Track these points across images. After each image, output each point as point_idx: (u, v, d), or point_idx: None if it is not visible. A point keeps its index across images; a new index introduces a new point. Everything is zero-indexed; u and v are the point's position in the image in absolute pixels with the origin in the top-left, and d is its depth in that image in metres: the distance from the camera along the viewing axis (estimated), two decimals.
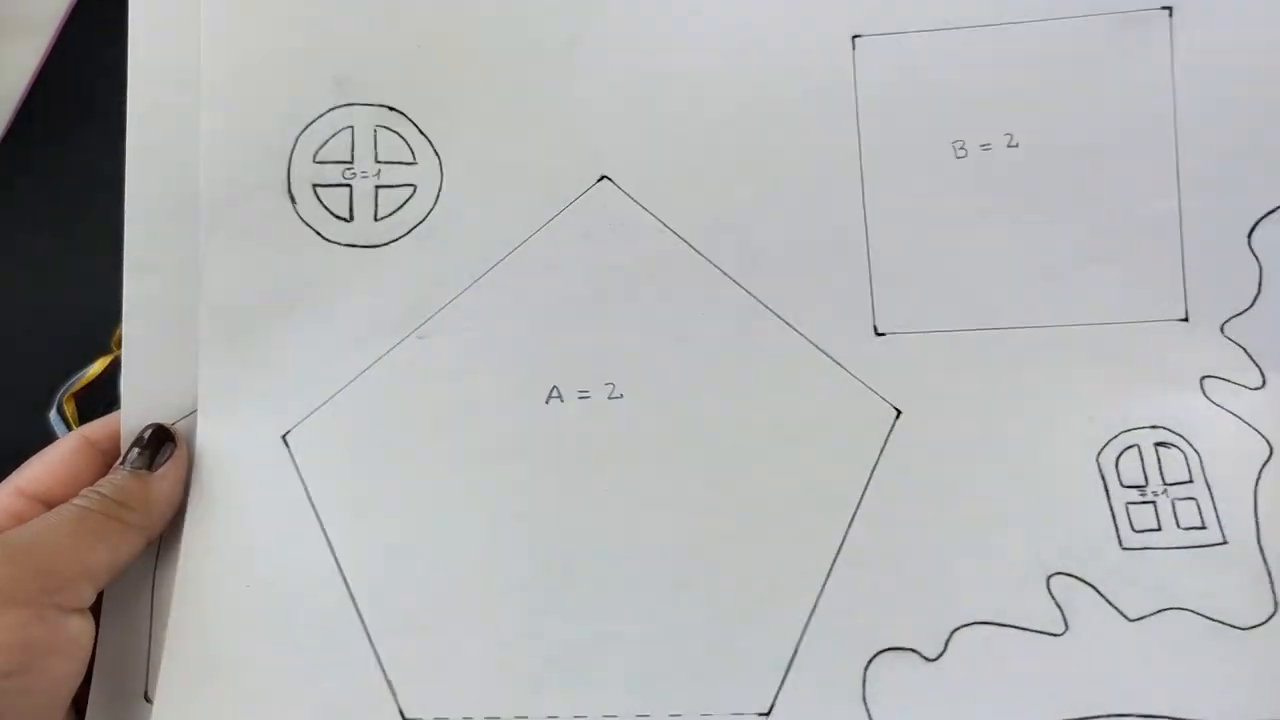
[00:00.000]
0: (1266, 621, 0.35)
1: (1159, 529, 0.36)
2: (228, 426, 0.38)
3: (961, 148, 0.39)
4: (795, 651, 0.35)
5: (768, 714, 0.35)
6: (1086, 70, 0.38)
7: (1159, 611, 0.35)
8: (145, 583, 0.38)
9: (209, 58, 0.39)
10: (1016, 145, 0.39)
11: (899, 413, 0.38)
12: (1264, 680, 0.34)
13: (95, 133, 0.40)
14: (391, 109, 0.40)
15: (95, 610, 0.36)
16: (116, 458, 0.38)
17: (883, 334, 0.38)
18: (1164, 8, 0.38)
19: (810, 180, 0.39)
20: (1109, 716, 0.34)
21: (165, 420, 0.39)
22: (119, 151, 0.39)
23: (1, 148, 0.58)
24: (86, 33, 0.62)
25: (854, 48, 0.39)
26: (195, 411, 0.39)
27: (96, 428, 0.39)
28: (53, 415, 0.44)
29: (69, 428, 0.44)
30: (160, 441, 0.38)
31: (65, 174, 0.46)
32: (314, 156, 0.40)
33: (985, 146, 0.39)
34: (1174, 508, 0.36)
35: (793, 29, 0.39)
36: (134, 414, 0.39)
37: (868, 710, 0.35)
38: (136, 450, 0.37)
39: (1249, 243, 0.38)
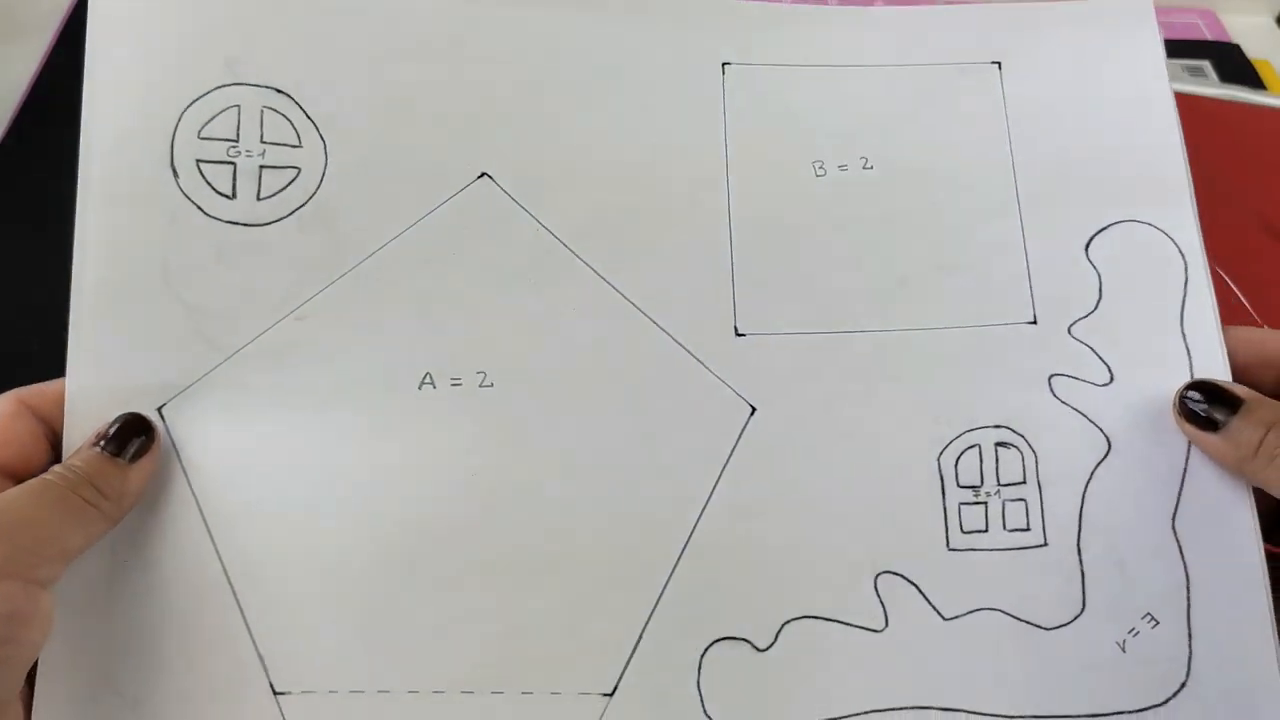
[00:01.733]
0: (1070, 622, 0.38)
1: (986, 531, 0.39)
2: (101, 398, 0.38)
3: (821, 167, 0.42)
4: (640, 636, 0.38)
5: (611, 694, 0.38)
6: (933, 108, 0.42)
7: (972, 612, 0.38)
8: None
9: (95, 25, 0.40)
10: (871, 168, 0.42)
11: (754, 409, 0.40)
12: (1058, 677, 0.38)
13: None
14: (279, 91, 0.41)
15: None
16: (53, 426, 0.38)
17: (743, 334, 0.40)
18: (994, 62, 0.43)
19: (680, 189, 0.41)
20: (915, 709, 0.37)
21: (107, 396, 0.39)
22: None
23: (1, 148, 0.58)
24: (86, 33, 0.61)
25: (723, 73, 0.42)
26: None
27: (33, 393, 0.39)
28: None
29: None
30: (134, 431, 0.38)
31: (65, 174, 0.45)
32: (199, 132, 0.40)
33: (843, 167, 0.42)
34: (1003, 509, 0.39)
35: (668, 52, 0.42)
36: (80, 385, 0.39)
37: (700, 695, 0.38)
38: (108, 436, 0.37)
39: (1087, 255, 0.41)
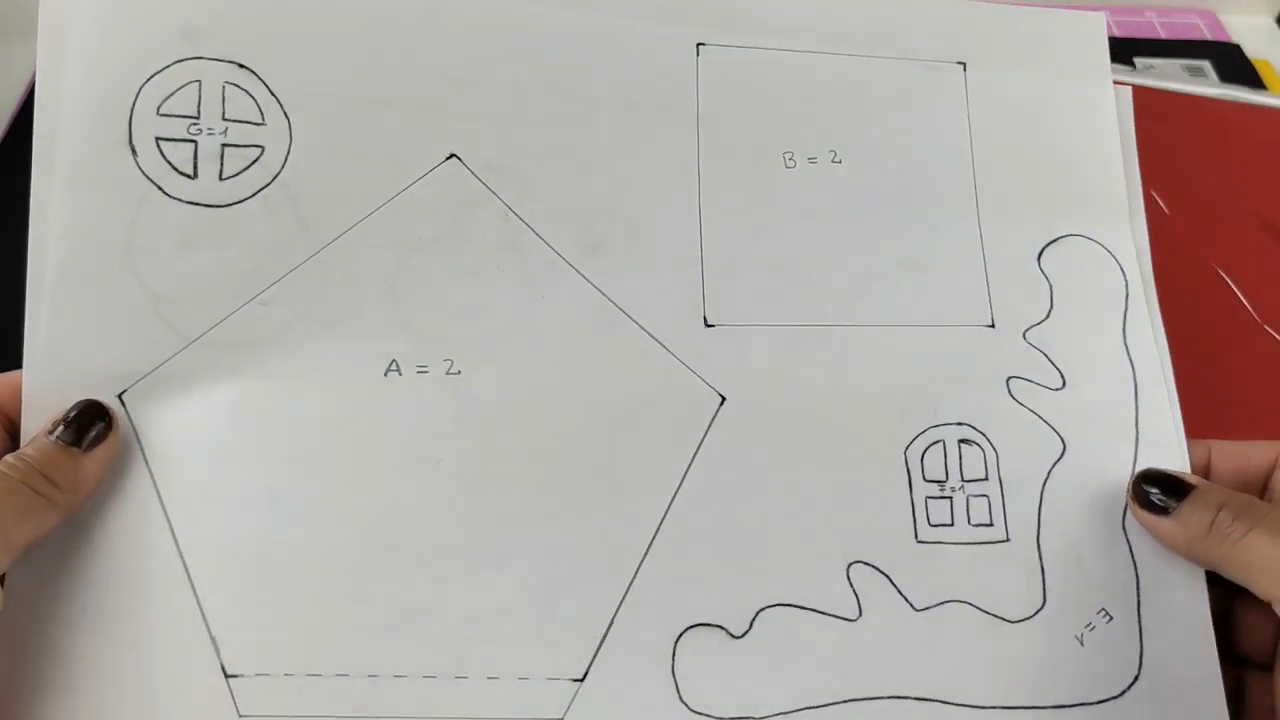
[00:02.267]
0: (1033, 616, 0.38)
1: (952, 524, 0.39)
2: (59, 385, 0.37)
3: (791, 159, 0.42)
4: (611, 622, 0.37)
5: (582, 679, 0.37)
6: (901, 104, 0.44)
7: (942, 603, 0.38)
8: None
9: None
10: (840, 161, 0.43)
11: (723, 399, 0.40)
12: (1024, 669, 0.38)
13: None
14: (242, 66, 0.40)
15: None
16: (10, 416, 0.37)
17: (712, 325, 0.40)
18: (959, 62, 0.44)
19: (651, 177, 0.41)
20: (890, 698, 0.37)
21: (65, 383, 0.37)
22: None
23: (1, 148, 0.56)
24: None
25: (698, 54, 0.42)
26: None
27: None
28: None
29: None
30: (92, 418, 0.36)
31: None
32: (158, 109, 0.39)
33: (812, 160, 0.42)
34: (967, 504, 0.39)
35: (642, 31, 0.42)
36: (37, 373, 0.37)
37: (675, 680, 0.37)
38: (65, 423, 0.36)
39: (1039, 264, 0.42)
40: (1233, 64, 0.74)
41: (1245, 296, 0.56)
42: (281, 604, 0.37)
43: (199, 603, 0.36)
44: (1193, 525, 0.37)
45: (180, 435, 0.37)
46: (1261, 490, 0.39)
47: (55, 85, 0.38)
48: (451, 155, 0.40)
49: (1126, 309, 0.42)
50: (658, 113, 0.42)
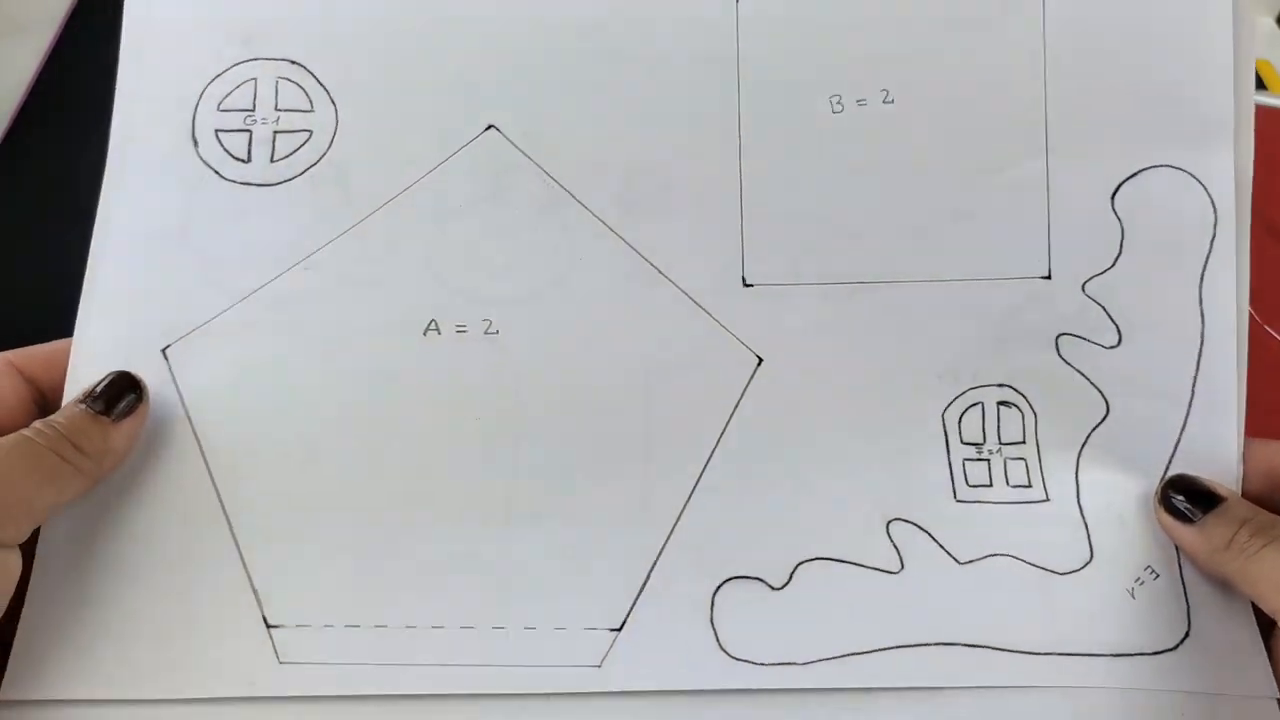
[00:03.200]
0: (1082, 569, 0.38)
1: (990, 485, 0.39)
2: (107, 338, 0.39)
3: (839, 102, 0.41)
4: (649, 574, 0.37)
5: (619, 629, 0.36)
6: (962, 34, 0.40)
7: (986, 556, 0.38)
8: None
9: (130, 18, 0.42)
10: (892, 102, 0.40)
11: (760, 360, 0.40)
12: (1076, 619, 0.37)
13: (95, 133, 0.41)
14: (294, 63, 0.42)
15: (27, 548, 0.35)
16: (45, 389, 0.38)
17: (750, 285, 0.40)
18: None
19: (689, 135, 0.41)
20: (937, 645, 0.37)
21: (114, 341, 0.39)
22: None
23: (1, 148, 0.59)
24: (86, 33, 0.62)
25: (737, 2, 0.41)
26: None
27: (24, 355, 0.39)
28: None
29: None
30: (123, 389, 0.37)
31: (65, 174, 0.46)
32: (219, 105, 0.42)
33: (861, 102, 0.40)
34: (1005, 466, 0.39)
35: None
36: (88, 332, 0.39)
37: (714, 629, 0.37)
38: (98, 392, 0.37)
39: (1112, 205, 0.40)
40: None
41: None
42: (321, 557, 0.37)
43: (241, 555, 0.37)
44: (1214, 539, 0.36)
45: (223, 391, 0.39)
46: None
47: (132, 86, 0.42)
48: (490, 126, 0.42)
49: (1210, 251, 0.39)
50: (695, 64, 0.41)
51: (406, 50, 0.42)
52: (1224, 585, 0.37)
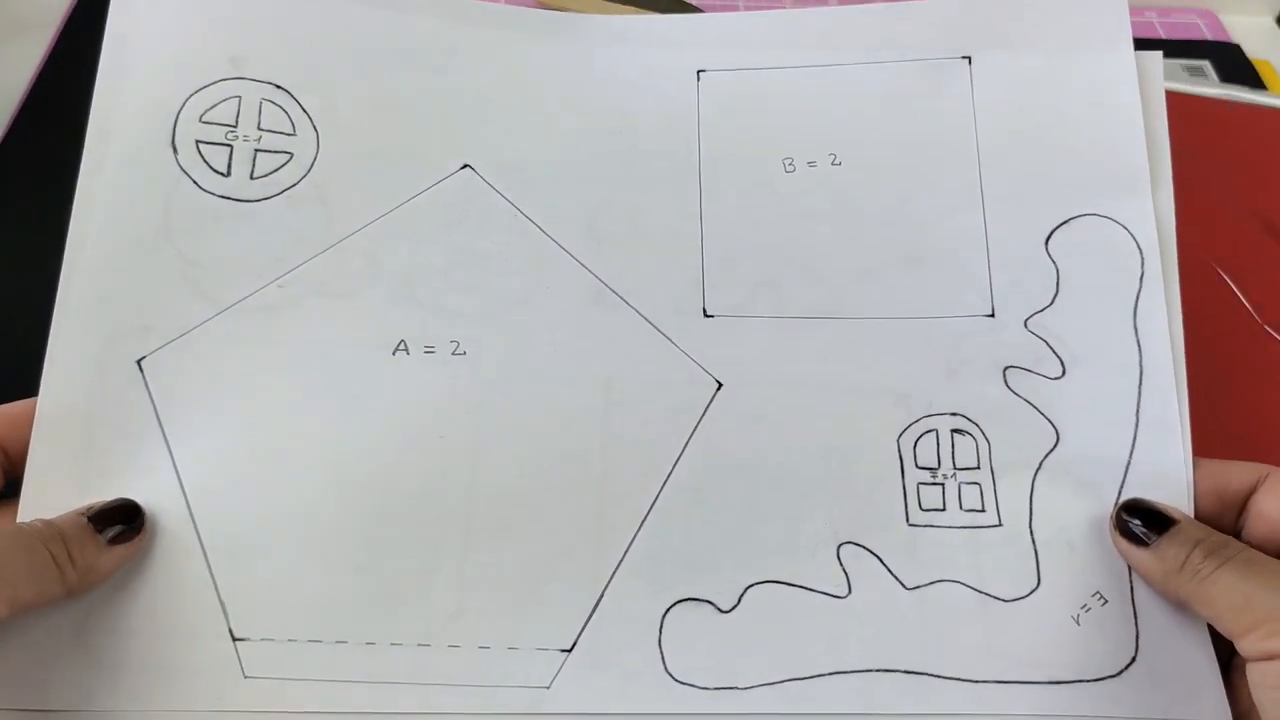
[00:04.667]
0: (1027, 596, 0.38)
1: (943, 509, 0.40)
2: (82, 347, 0.40)
3: (790, 163, 0.44)
4: (601, 595, 0.38)
5: (570, 650, 0.38)
6: (901, 105, 0.44)
7: (934, 582, 0.39)
8: None
9: (115, 19, 0.43)
10: (840, 164, 0.44)
11: (720, 385, 0.41)
12: (1018, 646, 0.38)
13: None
14: (279, 87, 0.44)
15: None
16: (6, 447, 0.38)
17: (711, 316, 0.42)
18: (964, 57, 0.44)
19: (654, 184, 0.44)
20: (878, 671, 0.37)
21: (90, 342, 0.39)
22: None
23: (1, 148, 0.59)
24: (86, 33, 0.61)
25: (698, 79, 0.45)
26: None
27: None
28: None
29: None
30: (126, 516, 0.37)
31: (65, 174, 0.46)
32: (201, 117, 0.43)
33: (811, 164, 0.44)
34: (959, 491, 0.40)
35: (646, 61, 0.45)
36: (64, 331, 0.40)
37: (661, 652, 0.38)
38: (102, 511, 0.37)
39: (1047, 249, 0.42)
40: (1233, 64, 0.73)
41: (1245, 296, 0.55)
42: (287, 572, 0.38)
43: (210, 568, 0.38)
44: (1167, 560, 0.37)
45: (194, 403, 0.40)
46: (1239, 512, 0.39)
47: (112, 91, 0.43)
48: (465, 165, 0.43)
49: (1140, 289, 0.42)
50: (661, 127, 0.44)
51: (391, 88, 0.44)
52: (1179, 608, 0.38)
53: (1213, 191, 0.57)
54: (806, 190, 0.44)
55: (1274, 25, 0.78)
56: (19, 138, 0.59)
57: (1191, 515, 0.39)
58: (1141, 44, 0.44)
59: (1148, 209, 0.42)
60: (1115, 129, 0.43)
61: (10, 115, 0.60)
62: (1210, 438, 0.41)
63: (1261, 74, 0.73)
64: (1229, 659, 0.38)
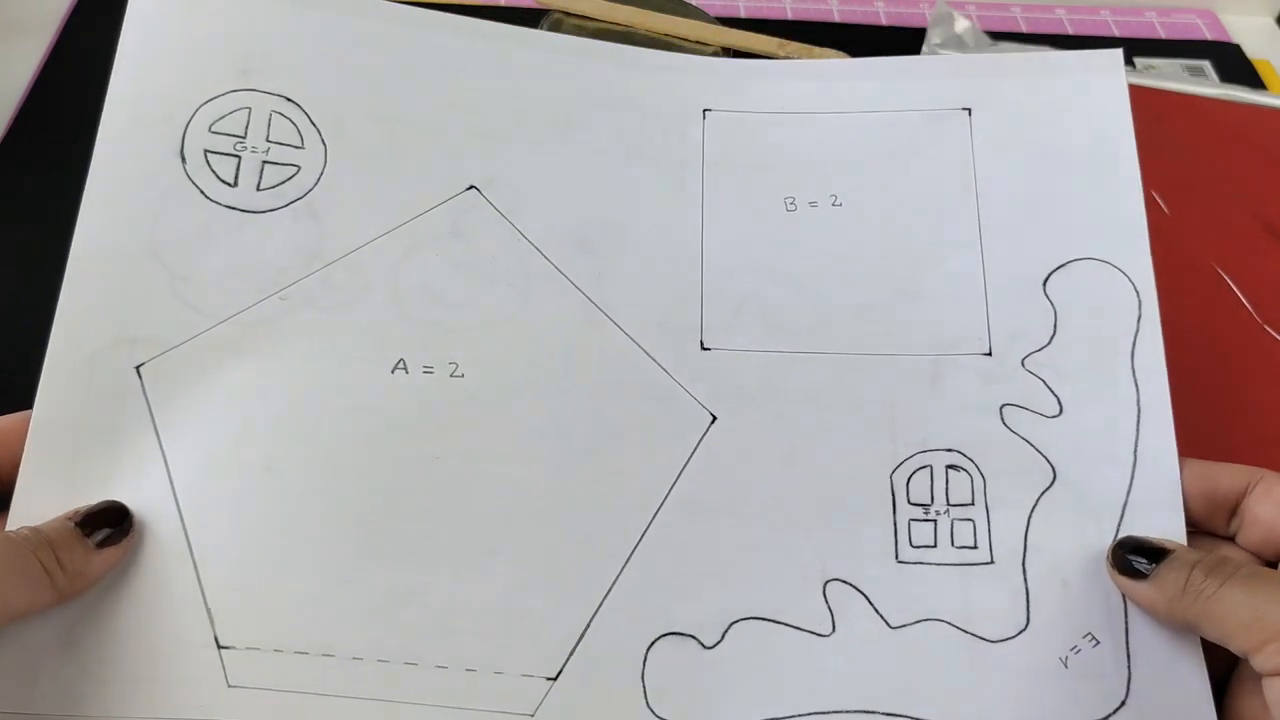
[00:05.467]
0: (1015, 637, 0.38)
1: (934, 546, 0.40)
2: (81, 353, 0.40)
3: (792, 203, 0.45)
4: (588, 625, 0.38)
5: (555, 678, 0.38)
6: (902, 151, 0.45)
7: (919, 621, 0.39)
8: None
9: (130, 24, 0.43)
10: (840, 205, 0.45)
11: (714, 418, 0.41)
12: (1003, 689, 0.38)
13: (95, 133, 0.42)
14: (289, 99, 0.44)
15: None
16: None
17: (708, 349, 0.42)
18: (964, 109, 0.45)
19: (656, 216, 0.44)
20: (858, 712, 0.37)
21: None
22: None
23: (1, 148, 0.59)
24: (86, 33, 0.62)
25: (704, 118, 0.46)
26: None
27: None
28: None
29: None
30: (113, 518, 0.37)
31: (65, 174, 0.46)
32: (210, 127, 0.43)
33: (813, 204, 0.45)
34: (952, 527, 0.40)
35: (654, 96, 0.46)
36: (63, 340, 0.40)
37: (644, 686, 0.38)
38: (89, 515, 0.37)
39: (1044, 291, 0.43)
40: (1233, 64, 0.73)
41: (1245, 296, 0.55)
42: (276, 582, 0.38)
43: (198, 575, 0.38)
44: (1168, 587, 0.36)
45: (191, 411, 0.40)
46: (1229, 515, 0.39)
47: (122, 100, 0.43)
48: (471, 187, 0.44)
49: (1138, 330, 0.42)
50: (664, 162, 0.45)
51: (401, 107, 0.44)
52: (1180, 641, 0.38)
53: (1213, 192, 0.56)
54: (807, 229, 0.44)
55: (1274, 25, 0.78)
56: (19, 138, 0.59)
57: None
58: (1142, 45, 0.45)
59: (1144, 253, 0.43)
60: (1112, 179, 0.44)
61: (10, 115, 0.60)
62: (1209, 438, 0.41)
63: (1261, 74, 0.73)
64: (1221, 693, 0.38)
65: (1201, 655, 0.38)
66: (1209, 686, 0.37)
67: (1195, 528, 0.40)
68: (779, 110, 0.46)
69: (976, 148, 0.45)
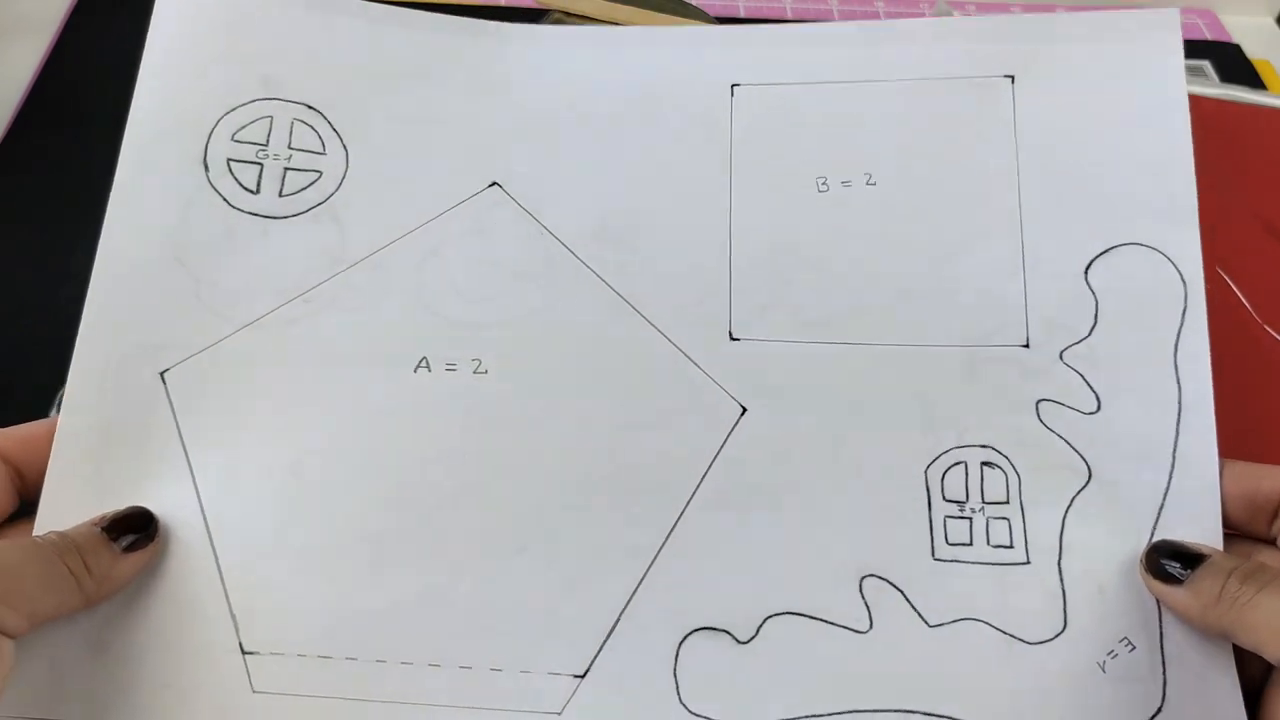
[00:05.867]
0: (1053, 639, 0.37)
1: (970, 544, 0.39)
2: (107, 359, 0.40)
3: (824, 183, 0.43)
4: (617, 621, 0.38)
5: (583, 676, 0.37)
6: (939, 124, 0.43)
7: (957, 620, 0.38)
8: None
9: (153, 38, 0.44)
10: (874, 184, 0.43)
11: (744, 410, 0.40)
12: (1041, 691, 0.37)
13: (95, 133, 0.42)
14: (310, 107, 0.44)
15: None
16: (21, 467, 0.38)
17: (737, 339, 0.41)
18: (1007, 76, 0.43)
19: (683, 202, 0.43)
20: (896, 711, 0.36)
21: (113, 357, 0.40)
22: (117, 151, 0.42)
23: (1, 148, 0.59)
24: (86, 33, 0.62)
25: (732, 94, 0.44)
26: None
27: (2, 435, 0.39)
28: (53, 415, 0.46)
29: None
30: (139, 523, 0.37)
31: (65, 174, 0.46)
32: (233, 136, 0.43)
33: (846, 183, 0.43)
34: (987, 525, 0.39)
35: (679, 75, 0.45)
36: (88, 347, 0.40)
37: (676, 681, 0.37)
38: (115, 520, 0.37)
39: (1086, 279, 0.41)
40: (1233, 64, 0.73)
41: (1245, 297, 0.55)
42: (300, 586, 0.38)
43: (223, 579, 0.38)
44: (1203, 594, 0.35)
45: (215, 416, 0.40)
46: (1271, 518, 0.37)
47: (147, 105, 0.43)
48: (493, 184, 0.43)
49: (1182, 323, 0.40)
50: (692, 143, 0.44)
51: (421, 108, 0.44)
52: (1215, 647, 0.36)
53: (1213, 192, 0.55)
54: (839, 211, 0.43)
55: (1274, 25, 0.78)
56: (19, 138, 0.59)
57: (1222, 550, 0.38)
58: None
59: (1194, 239, 0.40)
60: (1163, 155, 0.41)
61: (10, 115, 0.60)
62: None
63: (1261, 74, 0.73)
64: (1253, 701, 0.36)
65: (1234, 663, 0.36)
66: (1240, 694, 0.36)
67: (1235, 530, 0.39)
68: (810, 81, 0.44)
69: (1019, 120, 0.43)
